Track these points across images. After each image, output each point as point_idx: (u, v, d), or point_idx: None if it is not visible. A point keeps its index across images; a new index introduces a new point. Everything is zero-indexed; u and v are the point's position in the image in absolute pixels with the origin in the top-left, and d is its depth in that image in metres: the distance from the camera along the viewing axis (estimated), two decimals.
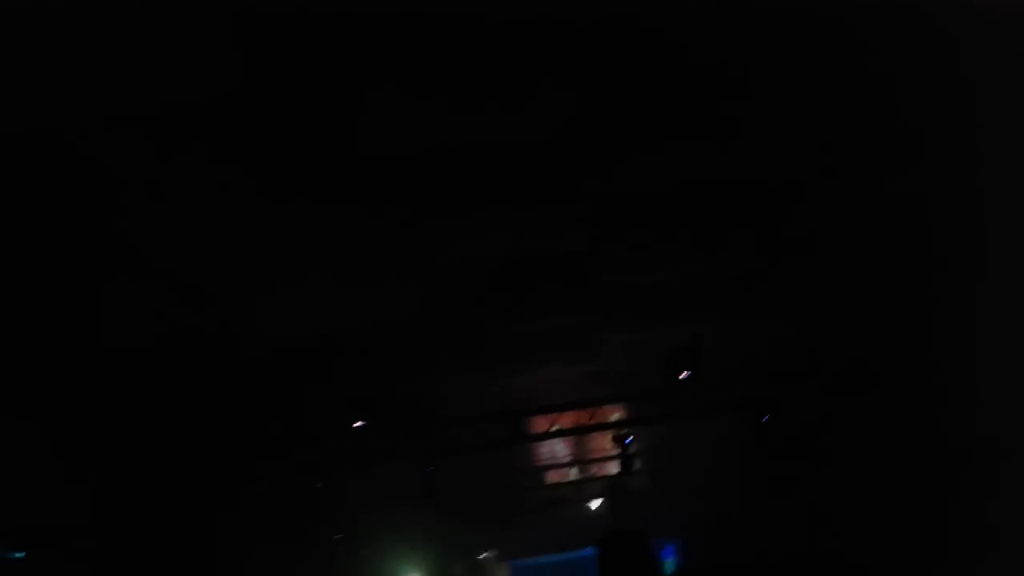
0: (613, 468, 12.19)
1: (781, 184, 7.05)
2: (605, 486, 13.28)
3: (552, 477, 13.58)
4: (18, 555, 7.49)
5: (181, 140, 5.50)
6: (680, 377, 9.22)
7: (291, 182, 6.16)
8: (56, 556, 8.09)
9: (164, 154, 5.58)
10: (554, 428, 11.08)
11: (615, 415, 11.50)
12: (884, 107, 5.99)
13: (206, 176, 5.94)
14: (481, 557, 15.61)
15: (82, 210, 5.94)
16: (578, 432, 11.87)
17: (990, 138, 5.90)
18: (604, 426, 11.44)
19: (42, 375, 7.32)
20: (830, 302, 8.35)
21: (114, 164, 5.56)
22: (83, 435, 8.01)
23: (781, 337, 8.95)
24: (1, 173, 5.24)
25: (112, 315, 7.37)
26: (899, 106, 5.98)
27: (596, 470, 13.24)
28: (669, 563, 12.99)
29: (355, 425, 9.20)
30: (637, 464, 10.80)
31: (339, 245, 7.08)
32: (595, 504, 14.23)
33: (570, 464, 13.29)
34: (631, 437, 10.59)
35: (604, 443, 12.01)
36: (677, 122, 6.28)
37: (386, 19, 4.62)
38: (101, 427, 8.19)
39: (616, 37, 5.01)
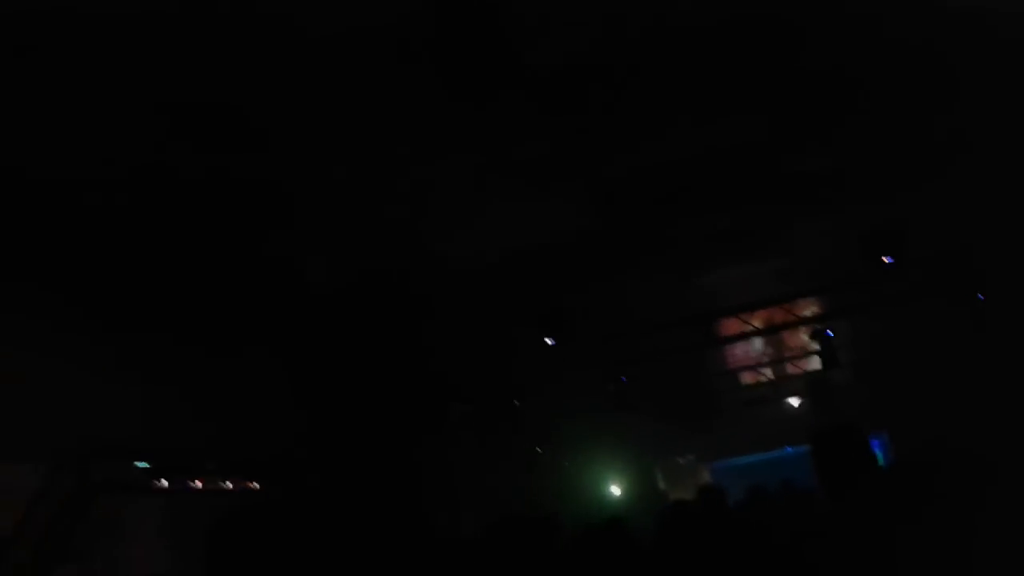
0: (812, 364, 11.86)
1: None
2: (804, 383, 12.98)
3: (748, 378, 13.39)
4: (142, 464, 7.88)
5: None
6: (881, 262, 8.73)
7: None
8: (278, 486, 8.77)
9: None
10: (749, 328, 10.84)
11: (810, 309, 11.14)
12: None
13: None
14: (681, 460, 15.73)
15: None
16: (771, 332, 11.59)
17: None
18: (798, 322, 11.12)
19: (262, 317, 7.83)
20: None
21: None
22: (300, 372, 8.54)
23: (986, 212, 8.31)
24: None
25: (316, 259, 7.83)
26: None
27: (793, 368, 12.94)
28: (877, 457, 12.60)
29: (547, 341, 9.33)
30: (838, 358, 10.40)
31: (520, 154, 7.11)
32: (795, 402, 13.95)
33: (766, 364, 13.05)
34: (830, 331, 10.21)
35: (801, 340, 11.68)
36: None
37: None
38: (314, 364, 8.71)
39: None
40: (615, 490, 13.29)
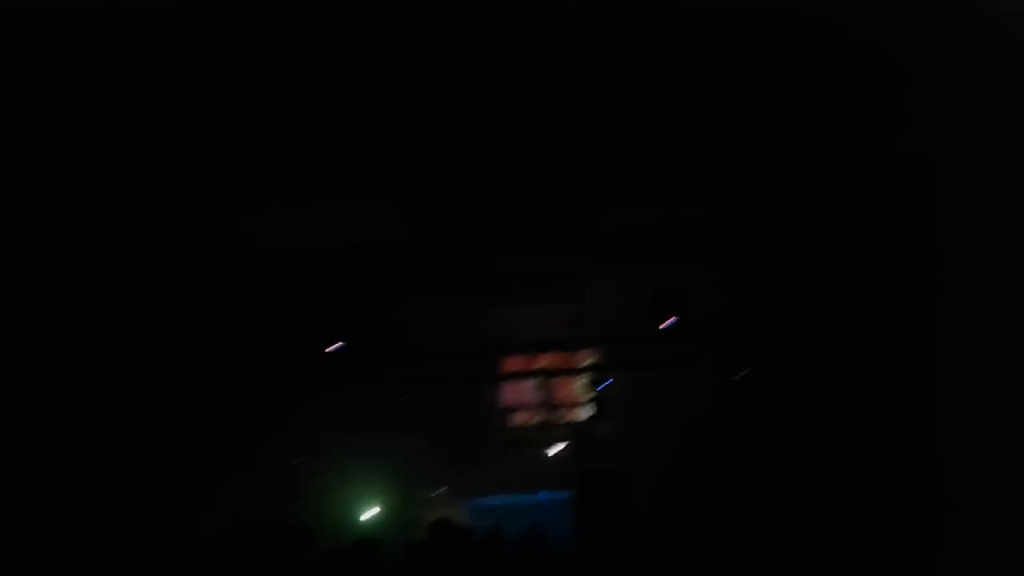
0: (581, 414, 12.12)
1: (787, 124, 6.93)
2: (571, 432, 13.23)
3: (519, 419, 13.49)
4: None
5: None
6: (663, 325, 9.08)
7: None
8: None
9: None
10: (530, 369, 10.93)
11: (590, 360, 11.40)
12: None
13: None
14: (434, 494, 15.56)
15: None
16: (550, 375, 11.76)
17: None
18: (576, 371, 11.35)
19: None
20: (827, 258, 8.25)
21: None
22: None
23: (770, 291, 8.86)
24: None
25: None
26: None
27: (564, 415, 13.17)
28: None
29: (332, 348, 8.95)
30: (608, 411, 10.66)
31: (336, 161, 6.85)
32: (558, 449, 14.19)
33: (539, 407, 13.19)
34: (607, 382, 10.47)
35: (575, 388, 11.90)
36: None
37: None
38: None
39: None
40: (371, 512, 12.90)
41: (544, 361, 11.14)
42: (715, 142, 7.23)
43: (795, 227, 8.31)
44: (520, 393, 12.92)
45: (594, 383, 10.64)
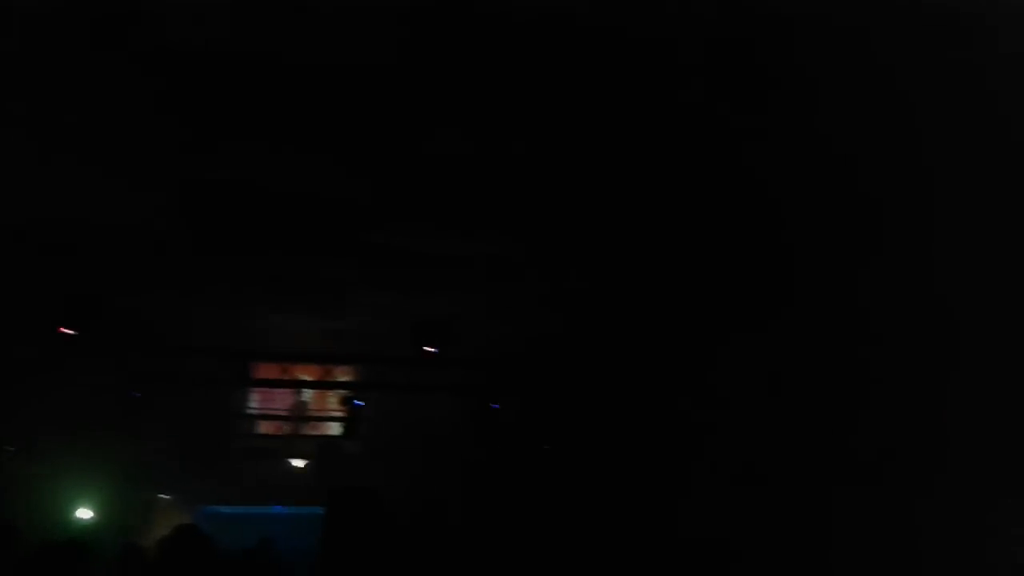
0: (330, 429, 11.98)
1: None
2: (316, 446, 13.04)
3: (264, 428, 13.12)
4: None
5: None
6: (426, 350, 9.19)
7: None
8: None
9: None
10: (283, 378, 10.69)
11: (345, 376, 11.31)
12: None
13: None
14: (160, 496, 14.76)
15: None
16: (301, 386, 11.56)
17: None
18: (330, 385, 11.23)
19: None
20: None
21: None
22: None
23: (528, 327, 9.21)
24: None
25: None
26: None
27: (311, 428, 12.96)
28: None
29: (65, 331, 8.27)
30: (358, 429, 10.61)
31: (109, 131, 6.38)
32: (301, 463, 13.94)
33: (287, 418, 12.90)
34: (362, 401, 10.43)
35: (327, 403, 11.76)
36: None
37: None
38: None
39: None
40: (88, 511, 11.99)
41: (299, 372, 10.92)
42: (505, 178, 7.41)
43: (565, 273, 8.70)
44: (269, 402, 12.59)
45: (347, 400, 10.56)
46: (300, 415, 12.92)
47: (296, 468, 13.97)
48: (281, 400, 12.66)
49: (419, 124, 6.53)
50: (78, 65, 5.68)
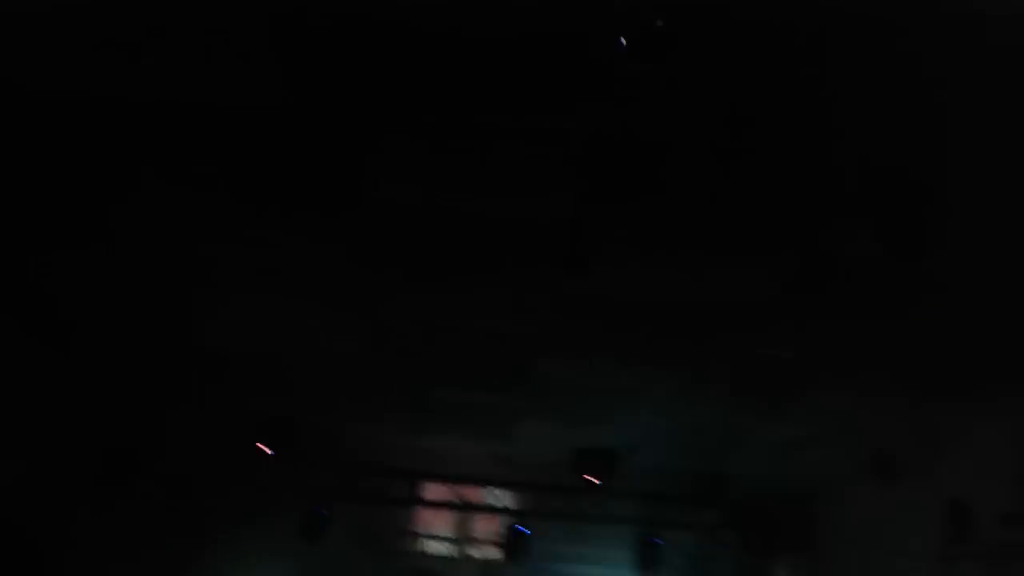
0: (492, 554, 12.15)
1: None
2: (479, 569, 13.22)
3: (428, 546, 13.45)
4: None
5: None
6: (590, 480, 9.38)
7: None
8: None
9: None
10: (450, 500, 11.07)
11: (509, 502, 11.54)
12: None
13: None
14: None
15: None
16: (468, 509, 11.87)
17: None
18: (493, 510, 11.49)
19: None
20: None
21: None
22: None
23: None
24: None
25: None
26: None
27: (474, 551, 13.19)
28: None
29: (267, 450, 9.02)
30: (524, 554, 10.73)
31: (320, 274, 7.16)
32: None
33: (451, 539, 13.20)
34: (521, 527, 10.62)
35: (490, 527, 11.97)
36: None
37: None
38: None
39: None
40: None
41: (462, 494, 11.29)
42: None
43: None
44: (435, 523, 12.94)
45: (510, 526, 10.77)
46: (463, 537, 13.19)
47: None
48: (446, 522, 12.97)
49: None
50: None
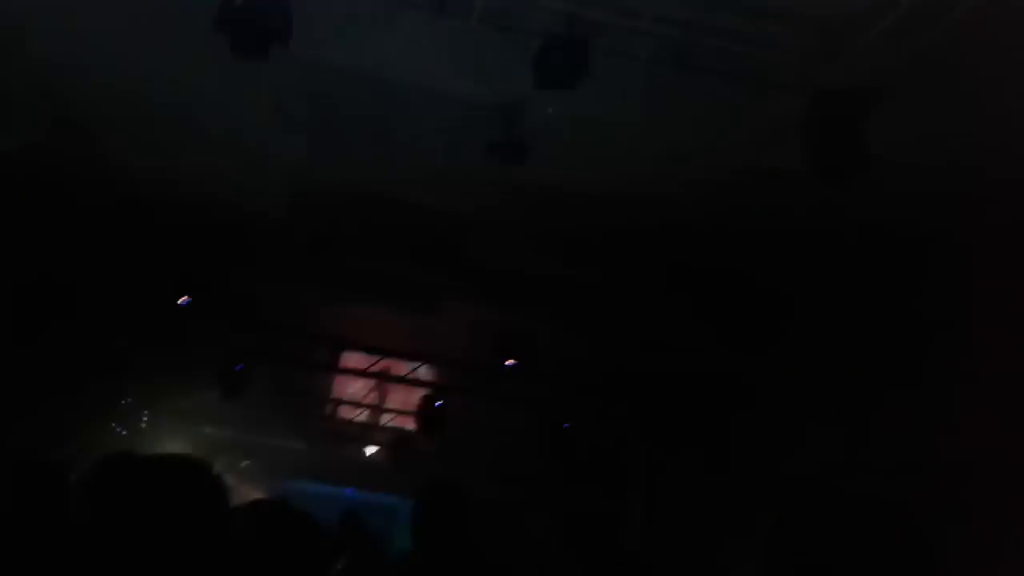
0: (407, 424, 12.35)
1: None
2: (393, 438, 13.49)
3: (344, 412, 13.64)
4: None
5: None
6: (506, 363, 9.53)
7: None
8: None
9: None
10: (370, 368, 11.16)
11: (432, 375, 11.67)
12: None
13: None
14: (243, 464, 15.55)
15: None
16: (388, 379, 11.98)
17: None
18: (414, 383, 11.60)
19: None
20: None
21: None
22: None
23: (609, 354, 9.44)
24: None
25: None
26: None
27: (390, 420, 13.41)
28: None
29: (180, 301, 8.90)
30: (437, 429, 10.93)
31: None
32: (374, 451, 14.46)
33: (368, 406, 13.38)
34: (441, 401, 10.79)
35: (409, 399, 12.12)
36: None
37: None
38: None
39: None
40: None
41: (383, 365, 11.37)
42: None
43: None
44: (354, 389, 13.08)
45: (429, 399, 10.92)
46: (380, 405, 13.39)
47: (372, 455, 14.53)
48: (364, 389, 13.13)
49: None
50: None
